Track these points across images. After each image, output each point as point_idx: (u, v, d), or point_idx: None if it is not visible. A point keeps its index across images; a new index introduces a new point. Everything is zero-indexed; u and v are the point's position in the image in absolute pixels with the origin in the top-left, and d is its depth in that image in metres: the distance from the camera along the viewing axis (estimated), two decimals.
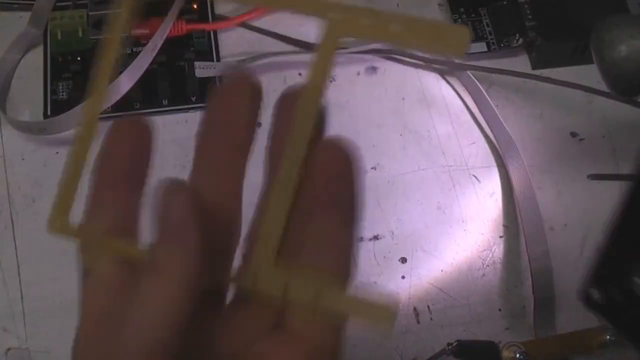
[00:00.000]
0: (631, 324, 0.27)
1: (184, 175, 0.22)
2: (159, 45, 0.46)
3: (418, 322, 0.41)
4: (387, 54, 0.49)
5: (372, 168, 0.45)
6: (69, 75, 0.47)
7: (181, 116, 0.46)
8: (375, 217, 0.44)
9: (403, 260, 0.43)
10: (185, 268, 0.19)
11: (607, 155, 0.47)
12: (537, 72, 0.48)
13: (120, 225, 0.22)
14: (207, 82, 0.47)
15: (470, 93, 0.48)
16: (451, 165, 0.46)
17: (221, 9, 0.50)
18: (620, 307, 0.27)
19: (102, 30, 0.47)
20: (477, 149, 0.46)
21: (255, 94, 0.22)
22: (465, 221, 0.44)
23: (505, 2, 0.49)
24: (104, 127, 0.22)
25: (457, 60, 0.48)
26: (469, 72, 0.47)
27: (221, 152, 0.22)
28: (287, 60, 0.48)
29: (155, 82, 0.47)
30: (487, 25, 0.49)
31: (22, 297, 0.41)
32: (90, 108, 0.23)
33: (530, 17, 0.49)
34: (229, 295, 0.22)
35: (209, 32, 0.49)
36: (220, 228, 0.21)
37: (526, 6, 0.49)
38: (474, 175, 0.46)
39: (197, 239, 0.20)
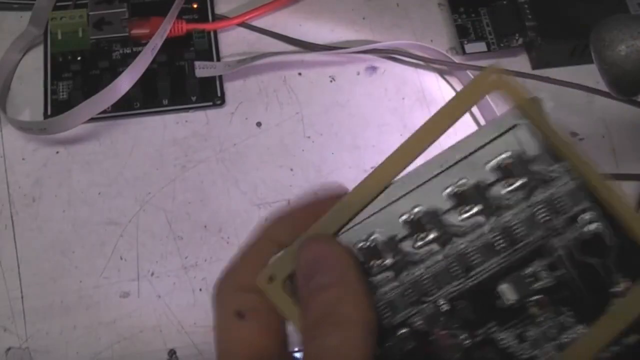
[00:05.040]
0: None
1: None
2: (159, 45, 0.46)
3: None
4: (387, 54, 0.49)
5: (371, 168, 0.45)
6: (69, 75, 0.47)
7: (181, 116, 0.46)
8: None
9: None
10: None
11: (607, 155, 0.47)
12: (537, 72, 0.48)
13: None
14: (207, 82, 0.47)
15: None
16: None
17: (221, 9, 0.50)
18: None
19: (102, 30, 0.47)
20: None
21: None
22: None
23: (505, 2, 0.49)
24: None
25: (457, 60, 0.48)
26: (468, 72, 0.47)
27: None
28: (287, 60, 0.48)
29: (155, 82, 0.46)
30: (487, 25, 0.49)
31: (22, 297, 0.41)
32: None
33: (530, 17, 0.49)
34: None
35: (209, 32, 0.49)
36: None
37: (526, 6, 0.49)
38: None
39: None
